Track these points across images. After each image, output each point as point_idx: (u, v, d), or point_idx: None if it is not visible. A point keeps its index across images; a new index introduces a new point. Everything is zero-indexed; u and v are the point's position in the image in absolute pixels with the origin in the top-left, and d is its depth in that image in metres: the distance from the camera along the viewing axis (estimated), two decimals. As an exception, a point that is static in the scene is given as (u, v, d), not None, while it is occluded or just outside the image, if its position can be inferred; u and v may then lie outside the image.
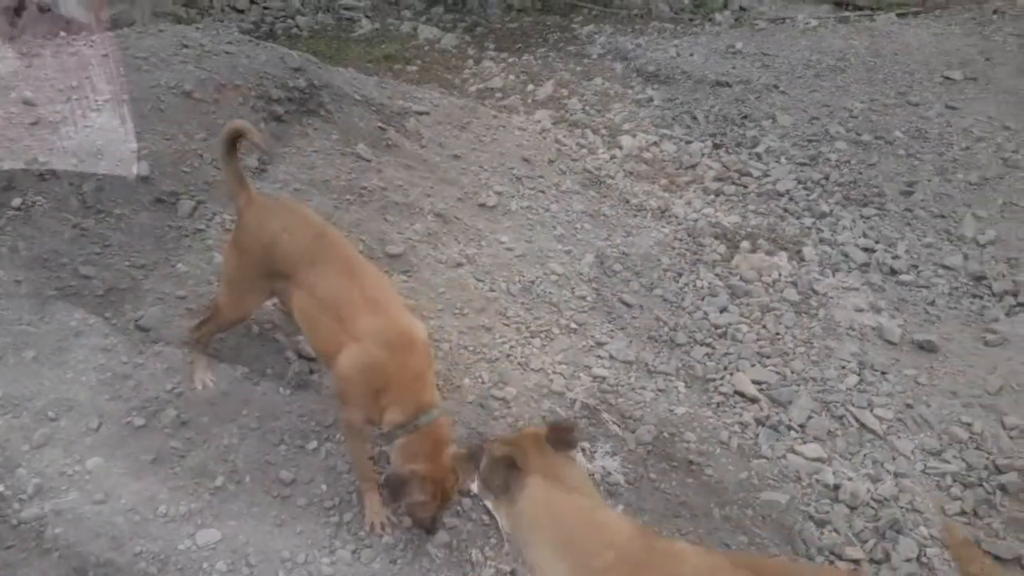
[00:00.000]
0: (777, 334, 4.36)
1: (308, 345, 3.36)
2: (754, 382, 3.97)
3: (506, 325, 4.04)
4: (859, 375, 4.10)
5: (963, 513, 3.39)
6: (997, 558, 3.13)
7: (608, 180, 5.95)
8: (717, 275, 4.84)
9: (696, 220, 5.45)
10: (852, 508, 3.35)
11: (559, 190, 5.53)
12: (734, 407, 3.85)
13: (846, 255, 5.08)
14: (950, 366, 4.22)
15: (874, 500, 3.40)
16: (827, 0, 9.93)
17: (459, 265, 4.37)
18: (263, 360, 3.50)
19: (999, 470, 3.57)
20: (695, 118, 6.98)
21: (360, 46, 9.19)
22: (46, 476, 2.89)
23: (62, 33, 5.61)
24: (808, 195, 5.74)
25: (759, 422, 3.77)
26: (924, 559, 3.16)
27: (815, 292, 4.72)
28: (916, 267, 5.01)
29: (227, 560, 2.75)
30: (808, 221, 5.45)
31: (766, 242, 5.14)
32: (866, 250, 5.13)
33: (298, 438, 3.19)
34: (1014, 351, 4.28)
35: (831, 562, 3.13)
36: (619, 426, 3.60)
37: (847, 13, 9.45)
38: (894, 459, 3.63)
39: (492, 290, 4.24)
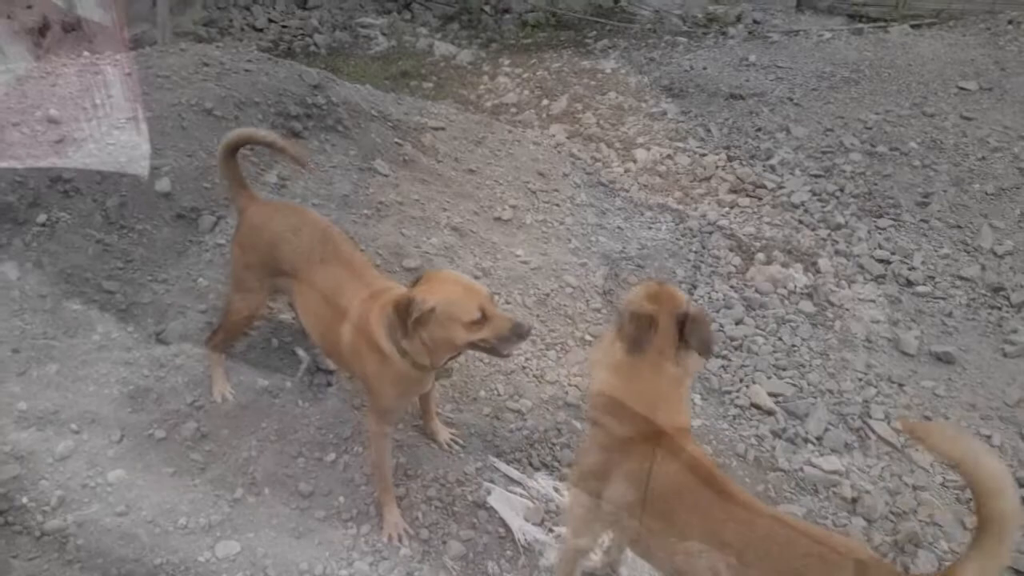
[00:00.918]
0: (793, 346, 4.35)
1: (313, 340, 3.30)
2: (770, 394, 3.96)
3: (521, 338, 4.06)
4: (876, 387, 4.08)
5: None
6: (1018, 572, 3.10)
7: (623, 193, 5.98)
8: (732, 287, 4.84)
9: (711, 232, 5.46)
10: (870, 521, 3.33)
11: (573, 203, 5.56)
12: (750, 419, 3.85)
13: (862, 266, 5.07)
14: (968, 378, 4.19)
15: (892, 513, 3.38)
16: (841, 12, 9.92)
17: (475, 278, 4.39)
18: (282, 372, 3.54)
19: (1019, 483, 3.53)
20: (709, 131, 6.99)
21: (377, 63, 9.29)
22: (69, 488, 2.94)
23: (86, 52, 5.73)
24: (823, 207, 5.73)
25: (776, 434, 3.77)
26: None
27: (831, 304, 4.71)
28: (933, 278, 4.98)
29: (246, 571, 2.79)
30: (823, 232, 5.44)
31: (781, 253, 5.14)
32: (882, 261, 5.11)
33: (316, 450, 3.23)
34: (1033, 363, 4.25)
35: None
36: (635, 438, 3.60)
37: (861, 25, 9.45)
38: (912, 472, 3.61)
39: (508, 303, 4.27)
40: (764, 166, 6.35)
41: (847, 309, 4.67)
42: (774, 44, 8.98)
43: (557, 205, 5.47)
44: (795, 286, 4.82)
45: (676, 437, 2.26)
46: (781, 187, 6.03)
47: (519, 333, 2.57)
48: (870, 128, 6.72)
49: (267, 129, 3.16)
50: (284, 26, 10.23)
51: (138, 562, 2.77)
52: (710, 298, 4.73)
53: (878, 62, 7.95)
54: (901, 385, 4.11)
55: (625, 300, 2.37)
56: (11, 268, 3.73)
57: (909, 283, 4.93)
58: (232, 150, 3.14)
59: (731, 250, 5.22)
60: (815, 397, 3.98)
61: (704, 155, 6.57)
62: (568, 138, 6.88)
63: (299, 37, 9.99)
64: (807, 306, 4.66)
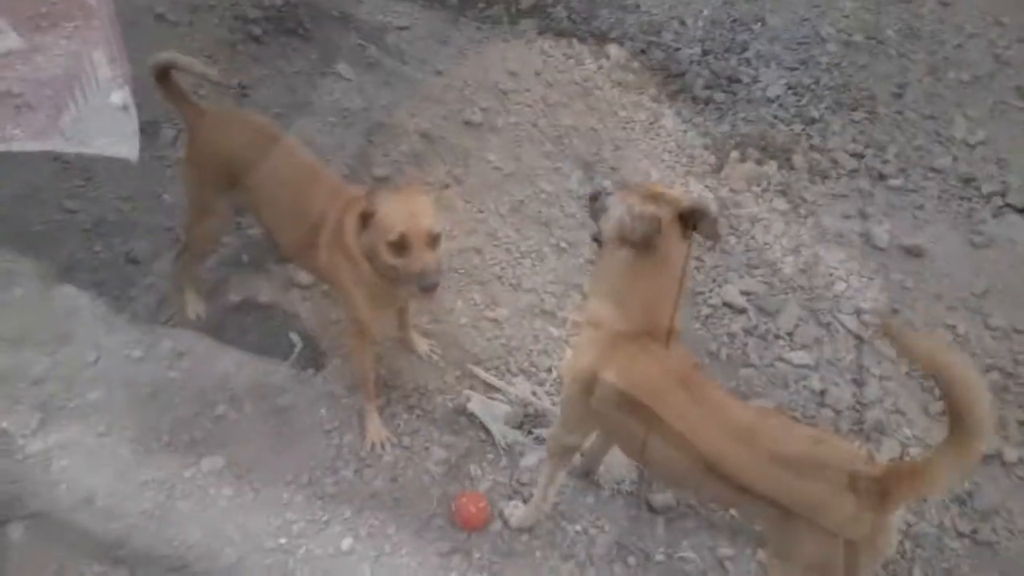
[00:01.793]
0: (766, 243, 4.38)
1: (285, 253, 3.27)
2: (742, 293, 4.01)
3: (496, 246, 4.04)
4: (846, 282, 4.15)
5: (945, 412, 3.48)
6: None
7: (596, 92, 5.83)
8: (707, 186, 4.82)
9: (685, 131, 5.38)
10: (837, 412, 3.44)
11: (546, 104, 5.43)
12: (722, 319, 3.90)
13: (835, 161, 5.04)
14: (936, 269, 4.26)
15: (859, 403, 3.50)
16: None
17: (446, 187, 4.33)
18: (259, 290, 3.52)
19: (983, 370, 3.65)
20: (684, 23, 6.77)
21: (335, -44, 8.83)
22: (48, 411, 2.95)
23: (23, -46, 5.36)
24: (798, 100, 5.65)
25: (747, 332, 3.83)
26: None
27: (804, 200, 4.71)
28: (905, 171, 4.98)
29: (232, 485, 2.85)
30: (798, 128, 5.38)
31: (756, 151, 5.09)
32: (855, 155, 5.09)
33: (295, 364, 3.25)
34: (1000, 253, 4.32)
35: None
36: (610, 341, 3.65)
37: (840, -96, 9.07)
38: (879, 363, 3.71)
39: (481, 211, 4.23)
40: (739, 59, 6.20)
41: (820, 205, 4.68)
42: (750, -73, 8.59)
43: (529, 106, 5.33)
44: (769, 183, 4.80)
45: (670, 339, 2.37)
46: (756, 81, 5.92)
47: (421, 283, 2.53)
48: (847, 16, 6.54)
49: (185, 55, 3.01)
50: (235, -82, 9.63)
51: (123, 480, 2.81)
52: (684, 198, 4.70)
53: (857, -55, 7.67)
54: (871, 279, 4.18)
55: (620, 209, 2.33)
56: (-34, 191, 3.62)
57: (882, 176, 4.92)
58: (161, 74, 2.99)
59: (706, 148, 5.17)
60: (786, 294, 4.04)
61: (678, 49, 6.39)
62: (539, 34, 6.65)
63: (252, -70, 9.43)
64: (780, 203, 4.66)
